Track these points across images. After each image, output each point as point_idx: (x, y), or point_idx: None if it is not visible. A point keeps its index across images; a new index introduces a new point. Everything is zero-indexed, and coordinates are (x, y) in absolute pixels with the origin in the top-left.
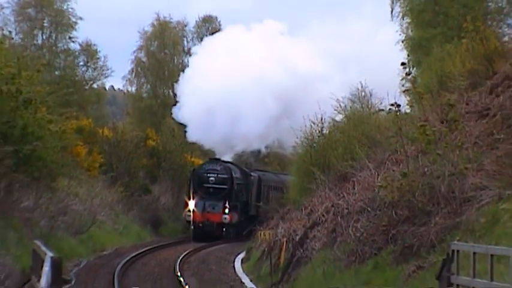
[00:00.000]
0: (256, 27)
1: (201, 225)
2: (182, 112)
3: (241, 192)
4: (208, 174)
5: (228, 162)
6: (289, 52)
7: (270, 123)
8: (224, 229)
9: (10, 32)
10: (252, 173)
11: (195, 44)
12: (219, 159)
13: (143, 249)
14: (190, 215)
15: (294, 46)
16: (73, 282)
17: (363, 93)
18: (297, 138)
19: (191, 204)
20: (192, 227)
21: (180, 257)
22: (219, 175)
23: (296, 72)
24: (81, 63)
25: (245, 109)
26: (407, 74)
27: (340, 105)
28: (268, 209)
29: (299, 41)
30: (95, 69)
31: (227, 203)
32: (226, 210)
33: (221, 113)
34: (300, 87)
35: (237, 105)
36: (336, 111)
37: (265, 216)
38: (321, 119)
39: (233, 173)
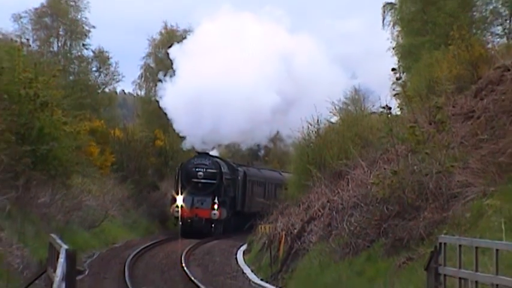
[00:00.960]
0: (254, 17)
1: (189, 221)
2: (166, 104)
3: (229, 188)
4: (197, 169)
5: (216, 157)
6: (288, 47)
7: (263, 118)
8: (213, 225)
9: (28, 39)
10: (239, 168)
11: None
12: (207, 154)
13: (151, 242)
14: (178, 211)
15: (293, 42)
16: (87, 272)
17: (357, 97)
18: (295, 138)
19: (179, 200)
20: (180, 223)
21: (186, 250)
22: (207, 170)
23: (293, 69)
24: (94, 68)
25: (233, 102)
26: (398, 78)
27: (335, 107)
28: (253, 205)
29: (299, 38)
30: (106, 74)
31: (216, 198)
32: (215, 206)
33: (208, 106)
34: (296, 84)
35: (225, 98)
36: (331, 113)
37: (251, 212)
38: (317, 121)
39: (222, 168)
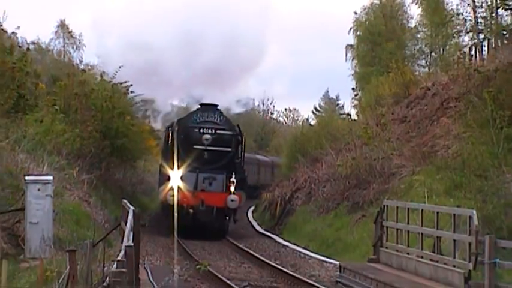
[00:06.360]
0: None
1: (191, 211)
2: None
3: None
4: (202, 130)
5: None
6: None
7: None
8: (227, 217)
9: (104, 71)
10: None
11: None
12: (216, 106)
13: None
14: (174, 196)
15: None
16: (147, 225)
17: (328, 107)
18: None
19: (175, 178)
20: (176, 215)
21: None
22: (217, 131)
23: None
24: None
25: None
26: (356, 95)
27: (313, 113)
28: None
29: None
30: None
31: (234, 175)
32: (232, 188)
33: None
34: None
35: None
36: (311, 118)
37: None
38: (302, 123)
39: (237, 129)
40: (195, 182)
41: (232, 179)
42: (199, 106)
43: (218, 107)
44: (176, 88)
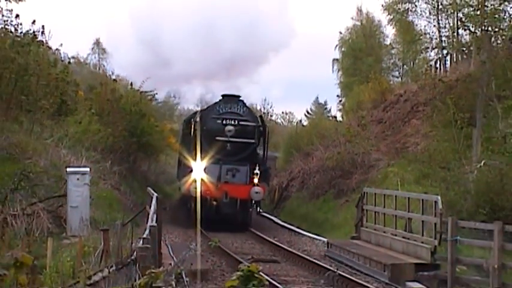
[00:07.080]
0: None
1: (214, 203)
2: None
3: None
4: (225, 121)
5: None
6: None
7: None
8: (250, 209)
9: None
10: None
11: None
12: (239, 97)
13: None
14: (197, 188)
15: None
16: (168, 209)
17: (317, 110)
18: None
19: (197, 170)
20: (199, 207)
21: None
22: (240, 122)
23: None
24: (173, 95)
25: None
26: (340, 100)
27: (305, 116)
28: None
29: None
30: (179, 98)
31: (257, 167)
32: (256, 180)
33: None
34: None
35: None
36: (304, 120)
37: None
38: (296, 124)
39: (260, 120)
40: (219, 174)
41: (256, 170)
42: (221, 97)
43: (241, 98)
44: (192, 91)
